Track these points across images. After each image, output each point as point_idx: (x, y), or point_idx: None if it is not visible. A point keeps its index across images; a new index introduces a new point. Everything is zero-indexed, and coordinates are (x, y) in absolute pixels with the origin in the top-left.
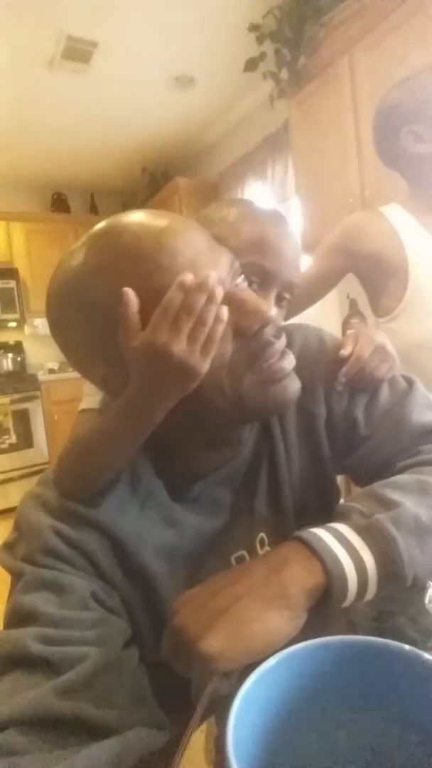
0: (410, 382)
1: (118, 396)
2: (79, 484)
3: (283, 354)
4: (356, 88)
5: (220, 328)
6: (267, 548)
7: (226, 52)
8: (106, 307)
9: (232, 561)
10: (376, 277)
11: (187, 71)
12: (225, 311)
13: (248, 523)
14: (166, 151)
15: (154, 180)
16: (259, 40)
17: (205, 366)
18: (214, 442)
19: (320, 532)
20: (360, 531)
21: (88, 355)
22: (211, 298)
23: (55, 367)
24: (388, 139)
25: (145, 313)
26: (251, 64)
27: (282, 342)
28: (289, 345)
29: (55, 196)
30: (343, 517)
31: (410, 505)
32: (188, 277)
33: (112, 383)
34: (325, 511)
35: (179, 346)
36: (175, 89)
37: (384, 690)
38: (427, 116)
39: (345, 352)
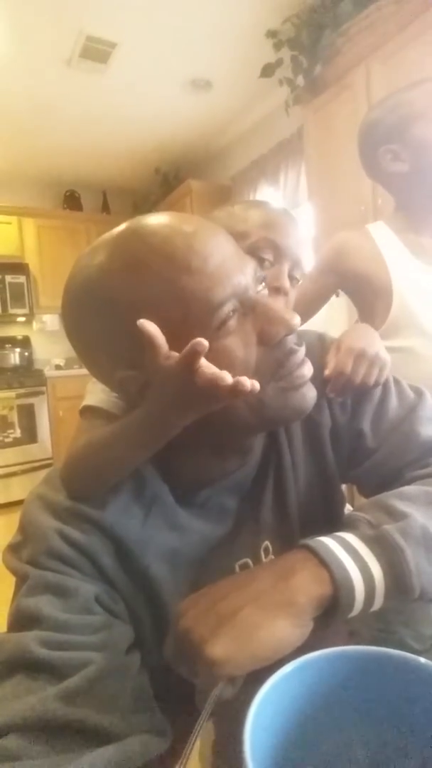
0: (419, 393)
1: (134, 399)
2: (87, 486)
3: (303, 361)
4: (371, 97)
5: (240, 397)
6: (271, 556)
7: (243, 57)
8: (131, 306)
9: (236, 568)
10: (364, 296)
11: (204, 75)
12: (246, 385)
13: (253, 531)
14: (179, 153)
15: (166, 181)
16: (277, 46)
17: (228, 399)
18: (224, 451)
19: (328, 541)
20: (368, 541)
21: (107, 356)
22: (235, 392)
23: (62, 363)
24: (369, 156)
25: (168, 319)
26: (268, 70)
27: (303, 350)
28: None
29: (67, 194)
30: (351, 526)
31: (418, 516)
32: (201, 346)
33: (130, 386)
34: (331, 520)
35: (211, 372)
36: (192, 92)
37: (399, 701)
38: (404, 135)
39: (327, 371)
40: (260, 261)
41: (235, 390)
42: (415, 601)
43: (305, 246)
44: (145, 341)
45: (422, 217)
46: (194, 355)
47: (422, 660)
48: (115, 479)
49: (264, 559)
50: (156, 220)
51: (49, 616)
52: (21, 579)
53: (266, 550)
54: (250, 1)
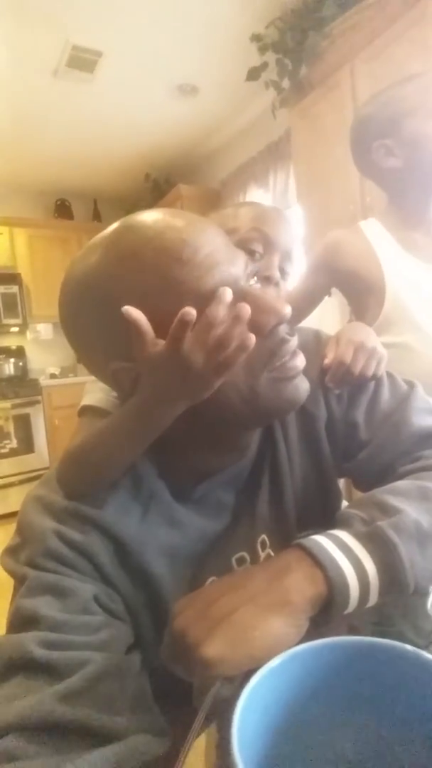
0: (411, 386)
1: (127, 392)
2: (84, 483)
3: (295, 352)
4: (357, 97)
5: (243, 355)
6: (268, 550)
7: (229, 61)
8: (124, 297)
9: (233, 562)
10: (357, 294)
11: (191, 80)
12: (252, 339)
13: (250, 525)
14: (169, 159)
15: (157, 187)
16: (262, 50)
17: (220, 380)
18: (220, 446)
19: (322, 540)
20: (361, 538)
21: (101, 350)
22: (237, 319)
23: (57, 372)
24: (361, 152)
25: (159, 309)
26: (253, 74)
27: (295, 340)
28: None
29: (58, 203)
30: (344, 524)
31: (411, 511)
32: (225, 294)
33: (123, 379)
34: (327, 513)
35: (196, 361)
36: (179, 98)
37: (388, 691)
38: (397, 130)
39: (327, 361)
40: (251, 253)
41: (241, 347)
42: (410, 596)
43: (295, 241)
44: (131, 328)
45: (415, 213)
46: (183, 325)
47: (409, 648)
48: (113, 476)
49: (261, 553)
50: (148, 215)
51: (48, 616)
52: (19, 581)
53: (263, 543)
54: (234, 6)
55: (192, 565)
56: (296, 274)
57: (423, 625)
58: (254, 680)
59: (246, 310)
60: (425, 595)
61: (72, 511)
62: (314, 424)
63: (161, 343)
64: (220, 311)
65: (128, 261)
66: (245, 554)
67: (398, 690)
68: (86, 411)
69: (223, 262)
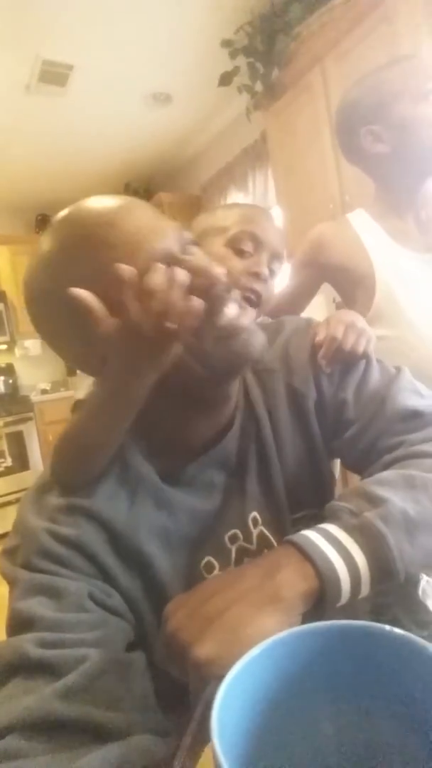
0: (398, 369)
1: (98, 374)
2: (75, 470)
3: (239, 311)
4: (330, 97)
5: (193, 320)
6: (260, 527)
7: (201, 68)
8: (60, 294)
9: (226, 540)
10: (346, 287)
11: (164, 88)
12: (199, 303)
13: (240, 503)
14: (147, 168)
15: (137, 196)
16: (232, 55)
17: (174, 345)
18: (200, 406)
19: (311, 535)
20: (350, 530)
21: (65, 336)
22: (173, 282)
23: (48, 388)
24: (348, 138)
25: (105, 293)
26: (226, 79)
27: (234, 295)
28: (282, 331)
29: (39, 218)
30: (332, 516)
31: (397, 500)
32: (127, 272)
33: (90, 362)
34: (320, 492)
35: (147, 328)
36: (153, 107)
37: (372, 677)
38: (385, 115)
39: (319, 337)
40: (240, 252)
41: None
42: (402, 584)
43: (283, 239)
44: (81, 309)
45: (403, 200)
46: (121, 283)
47: (387, 628)
48: (101, 459)
49: (253, 530)
50: (79, 205)
51: (44, 616)
52: (11, 583)
53: (254, 520)
54: (203, 13)
55: (185, 546)
56: (284, 273)
57: (416, 612)
58: (235, 669)
59: (180, 273)
60: (417, 582)
61: (64, 506)
62: (304, 403)
63: (115, 320)
64: (154, 279)
65: (66, 252)
66: (237, 532)
67: (383, 675)
68: (77, 405)
69: (153, 239)
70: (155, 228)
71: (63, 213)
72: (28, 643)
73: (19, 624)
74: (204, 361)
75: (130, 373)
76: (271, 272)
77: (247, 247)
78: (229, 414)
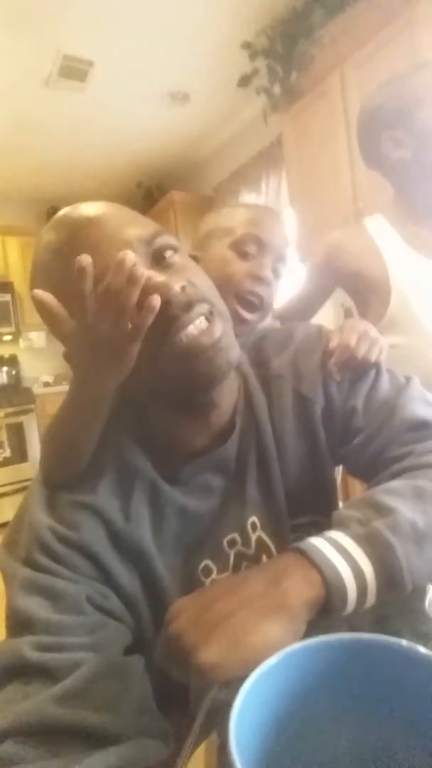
0: (408, 378)
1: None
2: (57, 465)
3: (202, 328)
4: (347, 102)
5: (150, 317)
6: (259, 532)
7: (220, 68)
8: (40, 286)
9: (224, 544)
10: (360, 293)
11: (182, 88)
12: (156, 300)
13: (239, 507)
14: (161, 166)
15: (149, 194)
16: (252, 56)
17: (132, 347)
18: (186, 410)
19: (318, 543)
20: (358, 539)
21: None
22: (131, 281)
23: (50, 380)
24: (369, 143)
25: (68, 299)
26: (244, 80)
27: (194, 313)
28: (292, 338)
29: (50, 210)
30: (340, 525)
31: (406, 511)
32: (86, 259)
33: (70, 359)
34: (321, 499)
35: (104, 328)
36: (170, 105)
37: (384, 688)
38: (407, 121)
39: (332, 344)
40: (244, 254)
41: (119, 271)
42: (409, 596)
43: (288, 241)
44: (44, 311)
45: (423, 207)
46: (80, 273)
47: (404, 643)
48: (79, 457)
49: (252, 535)
50: (61, 214)
51: (42, 619)
52: (9, 578)
53: (253, 525)
54: (225, 14)
55: (182, 548)
56: (290, 276)
57: (420, 625)
58: (250, 680)
59: (139, 272)
60: (423, 593)
61: (68, 503)
62: (311, 410)
63: (73, 322)
64: (116, 279)
65: (49, 252)
66: (236, 536)
67: (394, 686)
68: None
69: (107, 253)
70: (118, 237)
71: (54, 217)
72: (26, 646)
73: (18, 624)
74: (159, 375)
75: (91, 375)
76: (276, 274)
77: (251, 249)
78: (226, 419)
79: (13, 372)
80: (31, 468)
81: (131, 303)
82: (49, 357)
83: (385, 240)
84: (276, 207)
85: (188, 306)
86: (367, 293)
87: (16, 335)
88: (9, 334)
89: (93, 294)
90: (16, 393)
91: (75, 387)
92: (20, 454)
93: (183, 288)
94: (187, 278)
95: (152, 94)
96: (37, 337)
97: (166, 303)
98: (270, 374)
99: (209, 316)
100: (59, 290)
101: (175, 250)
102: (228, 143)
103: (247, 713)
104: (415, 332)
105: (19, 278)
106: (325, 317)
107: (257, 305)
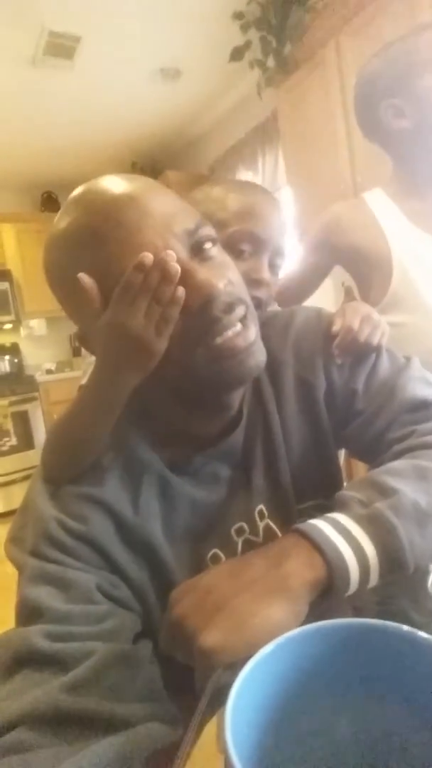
0: (408, 358)
1: (93, 351)
2: (61, 464)
3: (238, 330)
4: (343, 73)
5: (176, 309)
6: (267, 520)
7: (211, 42)
8: (70, 274)
9: (232, 533)
10: (361, 270)
11: (173, 63)
12: (182, 292)
13: (247, 496)
14: (155, 145)
15: (144, 174)
16: (244, 28)
17: (160, 343)
18: (200, 407)
19: (320, 524)
20: (360, 521)
21: (68, 312)
22: (166, 278)
23: (53, 368)
24: (368, 113)
25: (102, 284)
26: (237, 54)
27: (235, 317)
28: (292, 322)
29: (44, 195)
30: (342, 506)
31: (408, 491)
32: (147, 258)
33: (85, 341)
34: (326, 483)
35: (135, 323)
36: (162, 82)
37: (385, 673)
38: (408, 88)
39: (335, 327)
40: (239, 253)
41: (157, 267)
42: (412, 575)
43: (286, 230)
44: (83, 294)
45: (424, 179)
46: (140, 267)
47: (405, 628)
48: (90, 451)
49: (259, 523)
50: (92, 185)
51: (52, 608)
52: (20, 568)
53: (261, 513)
54: None
55: (191, 537)
56: (289, 261)
57: (424, 603)
58: (249, 665)
59: (176, 269)
60: (426, 573)
61: (74, 495)
62: (313, 394)
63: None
64: (154, 275)
65: (74, 236)
66: (244, 524)
67: (394, 671)
68: (79, 390)
69: (152, 239)
70: (160, 227)
71: (75, 194)
72: (37, 635)
73: (28, 613)
74: (189, 375)
75: (114, 368)
76: (274, 268)
77: (246, 247)
78: (234, 409)
79: (15, 360)
80: (37, 455)
81: (166, 299)
82: (51, 344)
83: (385, 215)
84: (273, 184)
85: (230, 308)
86: (368, 270)
87: (17, 323)
88: (9, 322)
89: (134, 287)
90: (20, 381)
91: (94, 382)
92: (26, 441)
93: (225, 287)
94: (227, 276)
95: (142, 70)
96: (38, 324)
97: (209, 303)
98: (273, 361)
99: (243, 319)
100: (92, 274)
101: (214, 242)
102: (222, 120)
103: (245, 698)
104: (417, 310)
105: (16, 265)
106: (326, 296)
107: (256, 307)
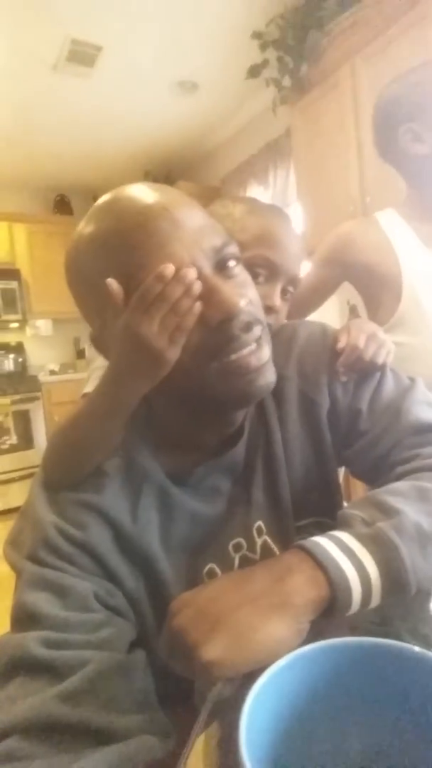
0: (413, 380)
1: (107, 355)
2: (63, 469)
3: (253, 349)
4: (357, 96)
5: (191, 320)
6: (264, 537)
7: (230, 58)
8: (94, 277)
9: (229, 548)
10: (370, 288)
11: (191, 77)
12: (198, 306)
13: (245, 511)
14: (169, 155)
15: (156, 183)
16: (262, 47)
17: (173, 352)
18: (204, 418)
19: (324, 542)
20: (363, 539)
21: (85, 313)
22: (187, 292)
23: (56, 369)
24: (386, 135)
25: (126, 290)
26: (254, 71)
27: (252, 336)
28: (296, 337)
29: (58, 198)
30: (345, 524)
31: (410, 512)
32: (168, 269)
33: (100, 343)
34: (326, 502)
35: (150, 331)
36: (179, 94)
37: (395, 693)
38: (427, 114)
39: (341, 344)
40: (254, 275)
41: (179, 280)
42: (413, 598)
43: (302, 259)
44: (109, 298)
45: None
46: (160, 278)
47: (417, 649)
48: (93, 458)
49: (257, 539)
50: (123, 192)
51: (49, 615)
52: (18, 573)
53: (259, 530)
54: (235, 3)
55: (186, 551)
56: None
57: (420, 628)
58: (262, 680)
59: (198, 286)
60: (427, 596)
61: (73, 502)
62: (316, 411)
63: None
64: (175, 288)
65: (96, 241)
66: (242, 540)
67: (404, 690)
68: (83, 398)
69: (179, 250)
70: (188, 239)
71: (107, 199)
72: (33, 642)
73: (25, 619)
74: (201, 388)
75: (123, 378)
76: (285, 295)
77: (261, 272)
78: (237, 422)
79: (20, 360)
80: (36, 455)
81: (183, 311)
82: (56, 345)
83: (397, 235)
84: (284, 200)
85: (248, 326)
86: (377, 289)
87: (23, 323)
88: (16, 321)
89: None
90: (23, 381)
91: (103, 385)
92: (26, 441)
93: (245, 305)
94: (248, 295)
95: (161, 83)
96: (44, 325)
97: (229, 320)
98: (277, 376)
99: (258, 339)
100: (118, 278)
101: (238, 260)
102: (236, 134)
103: (257, 713)
104: (423, 331)
105: (26, 265)
106: (330, 314)
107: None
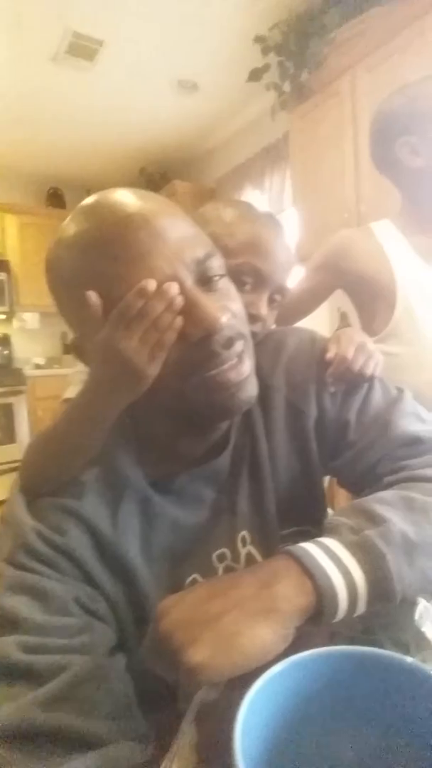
0: (400, 390)
1: (87, 363)
2: (42, 476)
3: (233, 364)
4: (356, 105)
5: (172, 335)
6: (249, 547)
7: (231, 60)
8: (73, 284)
9: (213, 558)
10: (364, 297)
11: (191, 77)
12: (179, 320)
13: (230, 521)
14: (165, 154)
15: (152, 181)
16: (264, 51)
17: (153, 368)
18: (187, 428)
19: (311, 549)
20: (350, 547)
21: (66, 318)
22: (169, 307)
23: (42, 363)
24: (383, 147)
25: (105, 299)
26: (255, 75)
27: (233, 352)
28: (284, 346)
29: (50, 191)
30: (332, 531)
31: (397, 521)
32: (150, 284)
33: (81, 351)
34: (311, 511)
35: (129, 346)
36: (179, 93)
37: (388, 701)
38: (424, 128)
39: (330, 354)
40: (240, 283)
41: (161, 296)
42: (398, 606)
43: (291, 267)
44: (87, 311)
45: None
46: (141, 292)
47: (408, 659)
48: (72, 467)
49: (241, 549)
50: (105, 197)
51: (28, 619)
52: None
53: (243, 540)
54: (239, 5)
55: (169, 558)
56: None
57: (401, 637)
58: (256, 687)
59: (179, 301)
60: (413, 605)
61: (53, 506)
62: (303, 422)
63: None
64: (155, 304)
65: (76, 248)
66: (226, 551)
67: (396, 699)
68: (65, 405)
69: (161, 263)
70: (170, 252)
71: (89, 203)
72: (11, 646)
73: (3, 623)
74: (181, 401)
75: (101, 392)
76: (272, 304)
77: (249, 280)
78: (222, 431)
79: (5, 352)
80: (18, 449)
81: (163, 327)
82: (42, 339)
83: (393, 246)
84: (279, 205)
85: (230, 342)
86: (371, 298)
87: (10, 315)
88: (3, 313)
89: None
90: (7, 373)
91: (83, 397)
92: (8, 435)
93: (227, 320)
94: (231, 309)
95: (161, 81)
96: (31, 318)
97: (209, 336)
98: (264, 385)
99: (240, 353)
100: (96, 287)
101: (222, 274)
102: (234, 137)
103: (250, 719)
104: (416, 342)
105: (15, 257)
106: (320, 321)
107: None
